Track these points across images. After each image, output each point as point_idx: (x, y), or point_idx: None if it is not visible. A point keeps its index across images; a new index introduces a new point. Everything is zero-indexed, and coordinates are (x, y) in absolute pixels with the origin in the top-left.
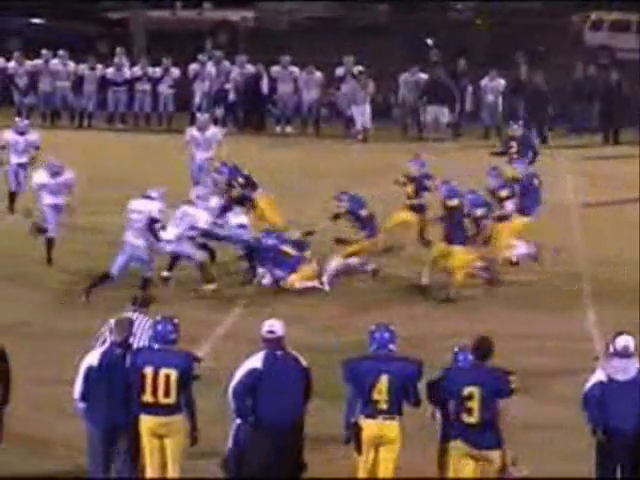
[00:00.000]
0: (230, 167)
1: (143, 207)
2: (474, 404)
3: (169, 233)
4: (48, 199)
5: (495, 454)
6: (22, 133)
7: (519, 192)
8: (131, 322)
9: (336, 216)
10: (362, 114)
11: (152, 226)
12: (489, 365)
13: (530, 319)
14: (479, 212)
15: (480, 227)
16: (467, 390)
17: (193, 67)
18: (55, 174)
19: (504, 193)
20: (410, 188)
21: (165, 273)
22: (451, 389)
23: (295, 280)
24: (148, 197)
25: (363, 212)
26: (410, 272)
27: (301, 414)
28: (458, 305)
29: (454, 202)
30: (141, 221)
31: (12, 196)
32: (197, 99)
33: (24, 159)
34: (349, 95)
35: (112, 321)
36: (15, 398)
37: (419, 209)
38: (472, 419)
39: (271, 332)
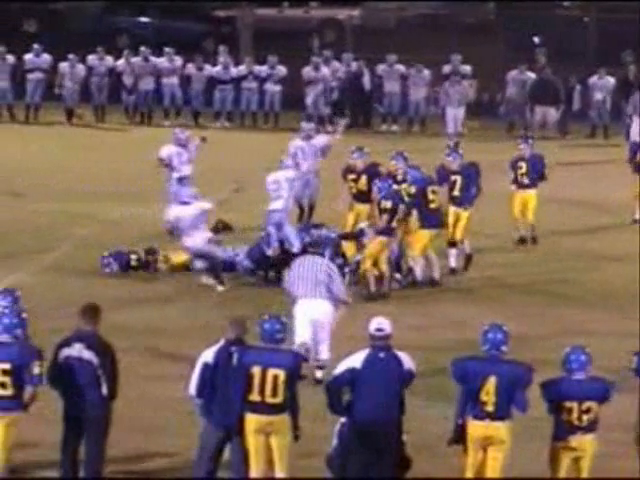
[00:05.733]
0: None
1: None
2: None
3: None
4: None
5: None
6: (183, 146)
7: (461, 184)
8: (244, 321)
9: None
10: (452, 118)
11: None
12: None
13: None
14: (387, 204)
15: (390, 219)
16: None
17: (307, 70)
18: (182, 146)
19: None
20: None
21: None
22: None
23: None
24: None
25: None
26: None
27: (398, 415)
28: (523, 306)
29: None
30: None
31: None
32: (310, 102)
33: (187, 173)
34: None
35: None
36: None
37: None
38: None
39: (380, 330)
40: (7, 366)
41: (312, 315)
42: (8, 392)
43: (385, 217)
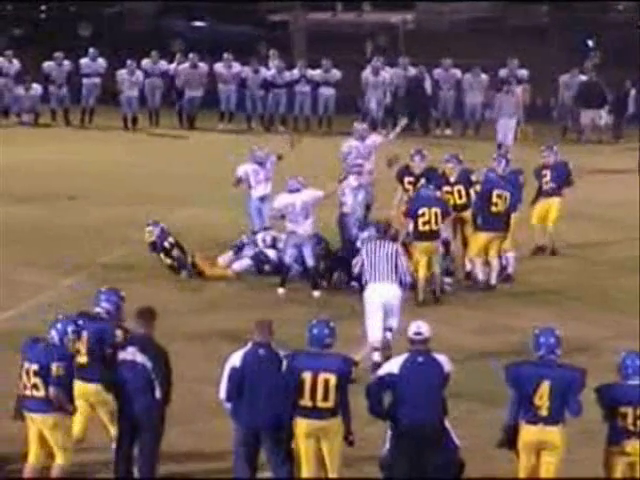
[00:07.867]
0: None
1: None
2: None
3: None
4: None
5: None
6: (260, 164)
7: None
8: (270, 323)
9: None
10: (503, 129)
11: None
12: None
13: None
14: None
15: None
16: None
17: (366, 74)
18: (259, 164)
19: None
20: None
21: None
22: None
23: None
24: None
25: None
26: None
27: (440, 417)
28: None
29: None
30: None
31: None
32: (373, 106)
33: (266, 191)
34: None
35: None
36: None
37: None
38: None
39: (418, 333)
40: (36, 367)
41: (383, 299)
42: (40, 393)
43: (407, 221)
